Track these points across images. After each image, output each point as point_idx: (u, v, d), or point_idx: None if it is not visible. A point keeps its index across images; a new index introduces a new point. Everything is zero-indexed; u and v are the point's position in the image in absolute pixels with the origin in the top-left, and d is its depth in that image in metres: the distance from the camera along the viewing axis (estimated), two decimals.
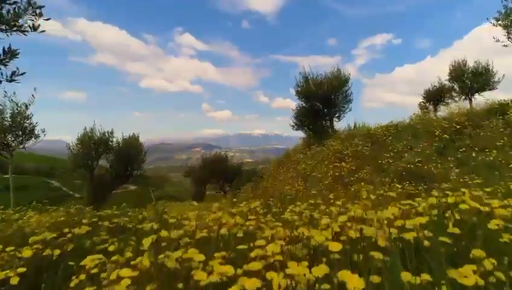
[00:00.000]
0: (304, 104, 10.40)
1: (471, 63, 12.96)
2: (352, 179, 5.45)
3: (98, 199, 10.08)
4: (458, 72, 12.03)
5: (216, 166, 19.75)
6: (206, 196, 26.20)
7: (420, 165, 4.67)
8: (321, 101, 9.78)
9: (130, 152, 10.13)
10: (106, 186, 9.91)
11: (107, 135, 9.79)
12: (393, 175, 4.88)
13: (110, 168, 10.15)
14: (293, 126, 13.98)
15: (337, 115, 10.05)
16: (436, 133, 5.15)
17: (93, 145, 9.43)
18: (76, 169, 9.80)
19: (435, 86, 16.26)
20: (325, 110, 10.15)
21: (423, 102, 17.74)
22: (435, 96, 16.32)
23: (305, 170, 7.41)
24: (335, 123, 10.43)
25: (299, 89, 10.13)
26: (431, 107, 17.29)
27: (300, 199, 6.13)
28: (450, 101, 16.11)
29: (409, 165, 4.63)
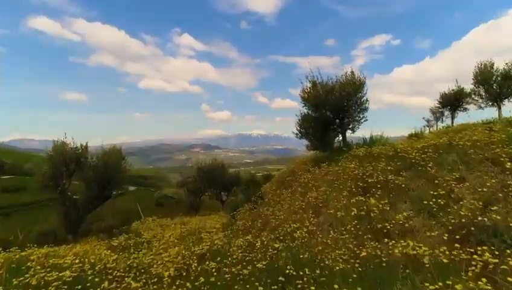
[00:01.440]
0: (312, 113, 8.93)
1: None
2: (387, 225, 3.96)
3: (71, 224, 8.60)
4: (486, 75, 10.55)
5: (212, 175, 18.26)
6: (203, 203, 24.71)
7: (495, 216, 3.18)
8: (331, 109, 8.31)
9: (108, 170, 8.64)
10: (80, 210, 8.44)
11: (80, 149, 8.30)
12: (452, 227, 3.40)
13: (85, 188, 8.67)
14: (296, 134, 12.57)
15: (350, 127, 8.58)
16: (508, 166, 3.66)
17: (62, 162, 7.96)
18: (43, 189, 8.33)
19: (452, 89, 14.85)
20: (336, 120, 8.68)
21: (438, 107, 16.30)
22: (453, 101, 14.90)
23: (317, 200, 5.93)
24: (347, 135, 8.99)
25: (306, 95, 8.66)
26: (447, 112, 15.87)
27: (313, 246, 4.63)
28: (469, 106, 14.68)
29: (481, 218, 3.14)
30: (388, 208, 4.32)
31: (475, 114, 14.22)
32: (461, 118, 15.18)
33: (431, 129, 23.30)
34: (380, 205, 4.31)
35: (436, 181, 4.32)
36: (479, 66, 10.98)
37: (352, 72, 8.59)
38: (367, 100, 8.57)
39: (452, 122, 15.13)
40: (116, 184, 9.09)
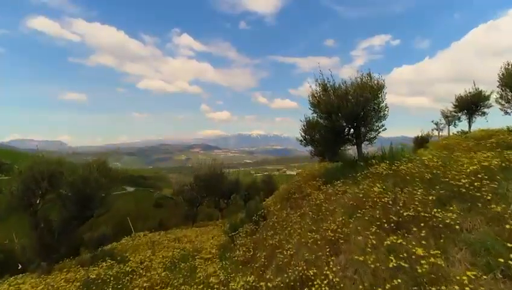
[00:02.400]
0: (322, 121, 7.80)
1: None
2: (444, 289, 2.83)
3: (45, 250, 7.46)
4: None
5: (210, 183, 17.11)
6: (200, 211, 23.57)
7: None
8: (346, 118, 7.17)
9: (87, 187, 7.46)
10: (55, 233, 7.29)
11: (54, 163, 7.14)
12: None
13: (62, 208, 7.51)
14: (301, 141, 11.48)
15: (367, 137, 7.45)
16: None
17: (32, 179, 6.81)
18: (10, 211, 7.18)
19: (469, 92, 13.74)
20: (351, 130, 7.56)
21: (454, 111, 15.19)
22: (470, 104, 13.78)
23: (336, 233, 4.79)
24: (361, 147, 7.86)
25: (316, 101, 7.53)
26: (464, 117, 14.75)
27: None
28: (488, 110, 13.59)
29: None
30: (441, 262, 3.19)
31: (494, 119, 13.12)
32: (479, 123, 14.09)
33: (440, 133, 22.18)
34: (431, 257, 3.17)
35: (506, 225, 3.18)
36: (507, 66, 9.87)
37: (368, 74, 7.46)
38: (386, 106, 7.45)
39: (469, 128, 14.01)
40: (98, 203, 7.92)
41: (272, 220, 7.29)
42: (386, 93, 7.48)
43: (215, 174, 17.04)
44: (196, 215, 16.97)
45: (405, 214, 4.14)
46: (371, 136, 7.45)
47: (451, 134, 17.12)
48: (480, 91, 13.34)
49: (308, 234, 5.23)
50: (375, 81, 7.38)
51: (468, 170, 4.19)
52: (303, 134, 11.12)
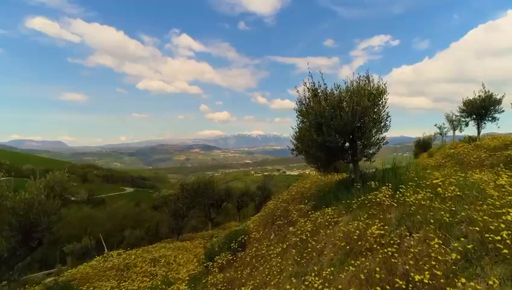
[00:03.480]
0: (313, 133, 6.57)
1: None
2: None
3: None
4: None
5: (199, 193, 15.88)
6: (188, 222, 22.33)
7: None
8: (339, 131, 5.94)
9: (30, 212, 6.18)
10: None
11: None
12: None
13: (3, 237, 6.27)
14: (292, 150, 10.23)
15: (365, 153, 6.22)
16: None
17: None
18: None
19: (479, 95, 12.53)
20: (346, 144, 6.34)
21: (461, 116, 13.96)
22: (479, 109, 12.56)
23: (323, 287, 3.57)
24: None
25: (305, 109, 6.32)
26: (472, 122, 13.51)
27: None
28: (498, 116, 12.39)
29: None
30: None
31: (506, 125, 11.91)
32: (488, 127, 12.89)
33: (444, 137, 20.93)
34: None
35: None
36: None
37: (367, 77, 6.23)
38: (388, 116, 6.23)
39: (478, 134, 12.80)
40: (45, 229, 6.63)
41: (250, 253, 6.06)
42: (387, 99, 6.26)
43: (204, 184, 15.81)
44: (182, 227, 15.72)
45: (416, 278, 2.92)
46: (370, 152, 6.22)
47: (456, 139, 15.90)
48: (491, 94, 12.13)
49: (287, 287, 4.00)
50: (375, 85, 6.16)
51: (509, 217, 2.96)
52: (295, 142, 9.96)
